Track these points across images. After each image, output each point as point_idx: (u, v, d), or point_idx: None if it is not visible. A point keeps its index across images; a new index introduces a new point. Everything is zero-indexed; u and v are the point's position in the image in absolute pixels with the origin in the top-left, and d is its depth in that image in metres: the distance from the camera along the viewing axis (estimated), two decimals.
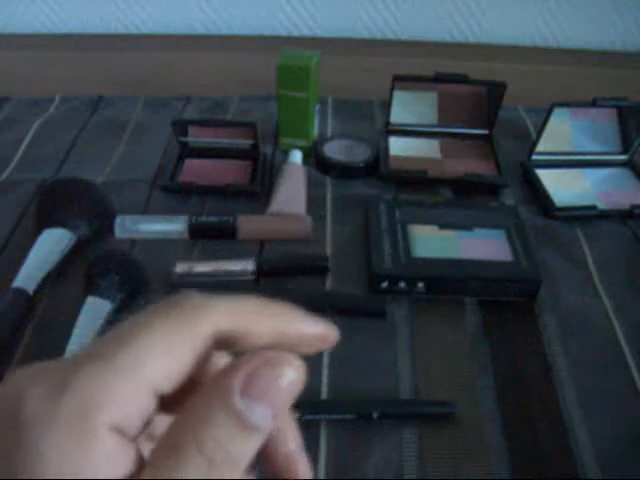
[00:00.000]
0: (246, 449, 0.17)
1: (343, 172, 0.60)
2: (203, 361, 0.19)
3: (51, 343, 0.42)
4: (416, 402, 0.41)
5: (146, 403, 0.17)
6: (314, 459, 0.36)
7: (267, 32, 0.91)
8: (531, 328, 0.46)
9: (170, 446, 0.16)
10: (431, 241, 0.50)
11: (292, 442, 0.22)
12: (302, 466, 0.22)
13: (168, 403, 0.18)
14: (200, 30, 0.92)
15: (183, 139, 0.61)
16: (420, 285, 0.47)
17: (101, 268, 0.45)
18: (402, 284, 0.47)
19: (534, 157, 0.61)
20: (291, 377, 0.17)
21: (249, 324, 0.19)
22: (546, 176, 0.60)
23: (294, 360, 0.17)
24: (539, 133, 0.59)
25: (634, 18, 0.87)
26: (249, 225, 0.53)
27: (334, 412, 0.39)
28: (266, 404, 0.16)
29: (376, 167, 0.61)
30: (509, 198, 0.59)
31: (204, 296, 0.19)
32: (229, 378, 0.17)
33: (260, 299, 0.20)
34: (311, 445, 0.37)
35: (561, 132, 0.63)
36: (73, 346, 0.40)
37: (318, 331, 0.20)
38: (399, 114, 0.65)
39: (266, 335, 0.19)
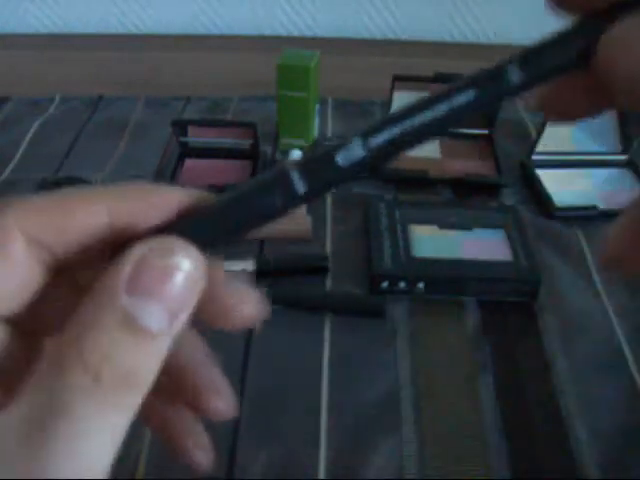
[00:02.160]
0: (141, 361, 0.14)
1: None
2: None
3: None
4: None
5: None
6: (314, 460, 0.36)
7: (267, 32, 0.91)
8: (531, 328, 0.46)
9: (53, 362, 0.13)
10: (431, 241, 0.50)
11: (204, 368, 0.18)
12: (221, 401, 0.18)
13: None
14: (200, 30, 0.92)
15: (183, 139, 0.61)
16: (420, 285, 0.47)
17: None
18: (402, 284, 0.47)
19: (534, 157, 0.61)
20: (187, 269, 0.14)
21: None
22: (546, 176, 0.60)
23: (190, 248, 0.14)
24: (539, 133, 0.59)
25: None
26: None
27: None
28: (159, 302, 0.13)
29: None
30: (509, 198, 0.59)
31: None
32: (114, 272, 0.14)
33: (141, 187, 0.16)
34: (311, 445, 0.37)
35: (561, 132, 0.63)
36: None
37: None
38: None
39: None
